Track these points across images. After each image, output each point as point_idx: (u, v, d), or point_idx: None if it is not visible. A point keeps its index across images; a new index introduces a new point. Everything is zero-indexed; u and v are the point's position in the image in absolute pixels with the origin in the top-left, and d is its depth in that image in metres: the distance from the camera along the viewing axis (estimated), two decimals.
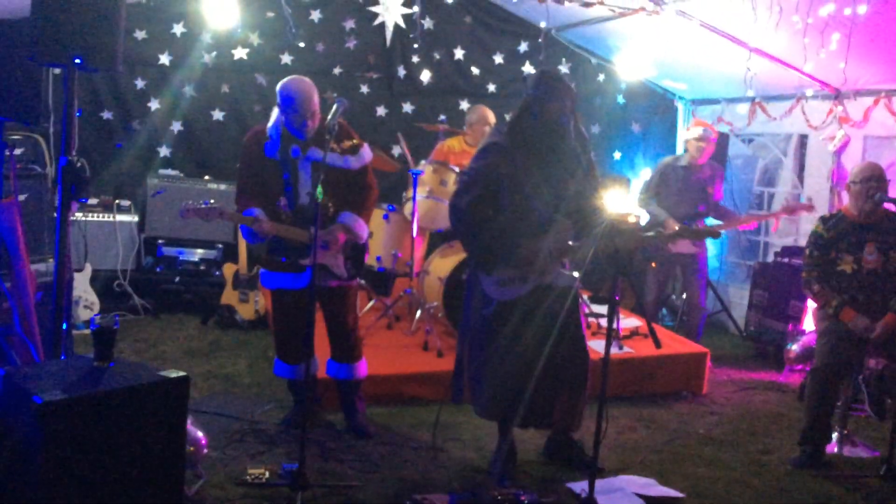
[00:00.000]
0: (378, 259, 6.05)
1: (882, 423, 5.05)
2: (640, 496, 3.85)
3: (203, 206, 4.06)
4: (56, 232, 3.77)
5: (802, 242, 5.69)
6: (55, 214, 3.85)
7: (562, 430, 4.16)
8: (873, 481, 4.16)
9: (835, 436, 4.63)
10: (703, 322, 6.40)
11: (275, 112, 4.21)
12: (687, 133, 6.35)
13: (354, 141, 4.32)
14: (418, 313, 5.89)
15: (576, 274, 3.99)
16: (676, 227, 5.88)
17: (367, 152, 4.37)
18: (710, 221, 6.38)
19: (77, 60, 3.61)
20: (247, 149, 4.25)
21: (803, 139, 7.03)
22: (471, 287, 4.03)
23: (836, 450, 4.61)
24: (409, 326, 5.90)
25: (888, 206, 4.39)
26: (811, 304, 5.51)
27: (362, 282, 6.04)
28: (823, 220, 4.63)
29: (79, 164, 3.75)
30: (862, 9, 4.90)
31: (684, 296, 6.82)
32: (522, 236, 3.81)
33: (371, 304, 6.28)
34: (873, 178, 4.42)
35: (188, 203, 4.09)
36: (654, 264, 6.45)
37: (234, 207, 4.23)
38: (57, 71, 5.35)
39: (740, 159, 7.79)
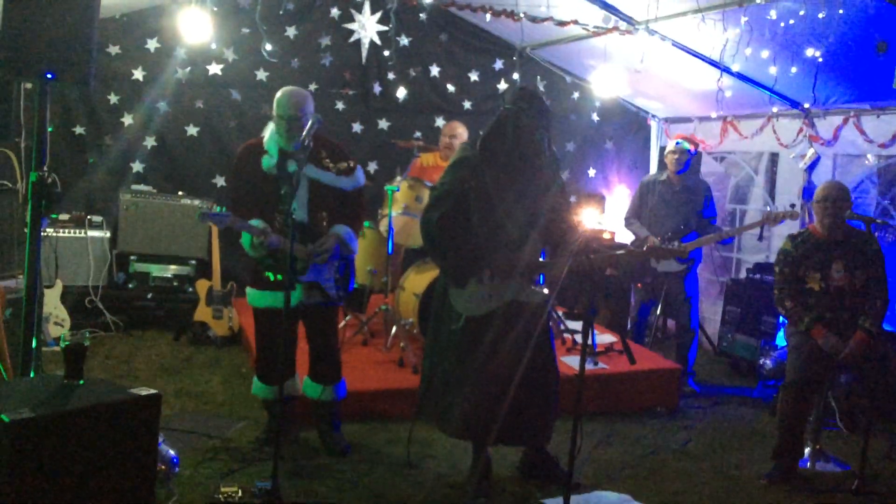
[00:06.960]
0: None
1: (853, 438, 5.11)
2: None
3: (219, 214, 4.00)
4: (26, 247, 3.73)
5: (773, 259, 5.73)
6: (25, 230, 3.80)
7: (534, 446, 4.16)
8: (846, 496, 4.19)
9: (807, 451, 4.67)
10: (695, 346, 6.17)
11: (269, 126, 4.20)
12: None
13: (350, 163, 4.32)
14: (394, 329, 5.87)
15: (546, 290, 3.99)
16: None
17: (361, 175, 4.38)
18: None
19: (49, 75, 3.59)
20: (241, 161, 4.22)
21: (774, 157, 7.13)
22: (440, 302, 4.01)
23: (808, 465, 4.64)
24: (384, 343, 5.88)
25: (854, 223, 4.45)
26: (783, 320, 5.55)
27: None
28: (792, 237, 4.70)
29: (49, 180, 3.71)
30: (831, 37, 5.02)
31: (658, 312, 6.83)
32: (494, 252, 3.81)
33: (346, 320, 6.25)
34: (829, 199, 4.48)
35: (206, 209, 4.09)
36: (639, 284, 6.39)
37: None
38: (28, 85, 5.29)
39: (712, 177, 7.86)
